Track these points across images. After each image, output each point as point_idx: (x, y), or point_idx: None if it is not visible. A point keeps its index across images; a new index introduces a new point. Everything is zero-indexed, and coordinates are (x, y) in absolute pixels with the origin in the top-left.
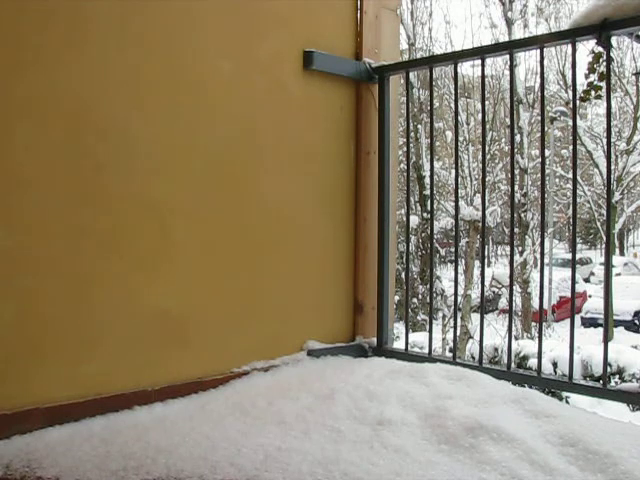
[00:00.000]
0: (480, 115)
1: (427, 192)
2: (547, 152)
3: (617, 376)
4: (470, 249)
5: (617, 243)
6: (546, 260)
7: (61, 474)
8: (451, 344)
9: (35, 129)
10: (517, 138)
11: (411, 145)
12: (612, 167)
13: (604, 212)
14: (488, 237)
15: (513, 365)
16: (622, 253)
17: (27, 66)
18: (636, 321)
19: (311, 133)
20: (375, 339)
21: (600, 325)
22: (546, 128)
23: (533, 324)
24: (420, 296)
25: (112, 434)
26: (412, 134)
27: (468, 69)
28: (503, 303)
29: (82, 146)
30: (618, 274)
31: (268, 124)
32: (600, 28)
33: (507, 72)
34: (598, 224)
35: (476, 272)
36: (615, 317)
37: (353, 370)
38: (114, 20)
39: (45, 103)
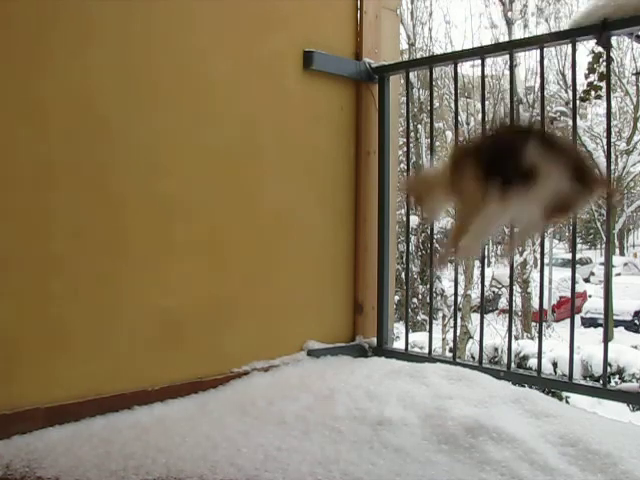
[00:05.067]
0: (480, 115)
1: None
2: None
3: (617, 376)
4: None
5: (617, 243)
6: (546, 260)
7: (61, 474)
8: (451, 344)
9: (36, 129)
10: None
11: (411, 145)
12: (612, 167)
13: (604, 212)
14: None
15: (513, 365)
16: (622, 253)
17: (28, 66)
18: (636, 321)
19: (311, 133)
20: (375, 339)
21: (600, 325)
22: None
23: (533, 324)
24: (420, 296)
25: (112, 434)
26: (412, 134)
27: (468, 69)
28: (503, 303)
29: (83, 146)
30: (618, 274)
31: (268, 124)
32: (600, 28)
33: (507, 72)
34: (598, 224)
35: (476, 272)
36: (615, 317)
37: (353, 370)
38: (116, 21)
39: (47, 103)
